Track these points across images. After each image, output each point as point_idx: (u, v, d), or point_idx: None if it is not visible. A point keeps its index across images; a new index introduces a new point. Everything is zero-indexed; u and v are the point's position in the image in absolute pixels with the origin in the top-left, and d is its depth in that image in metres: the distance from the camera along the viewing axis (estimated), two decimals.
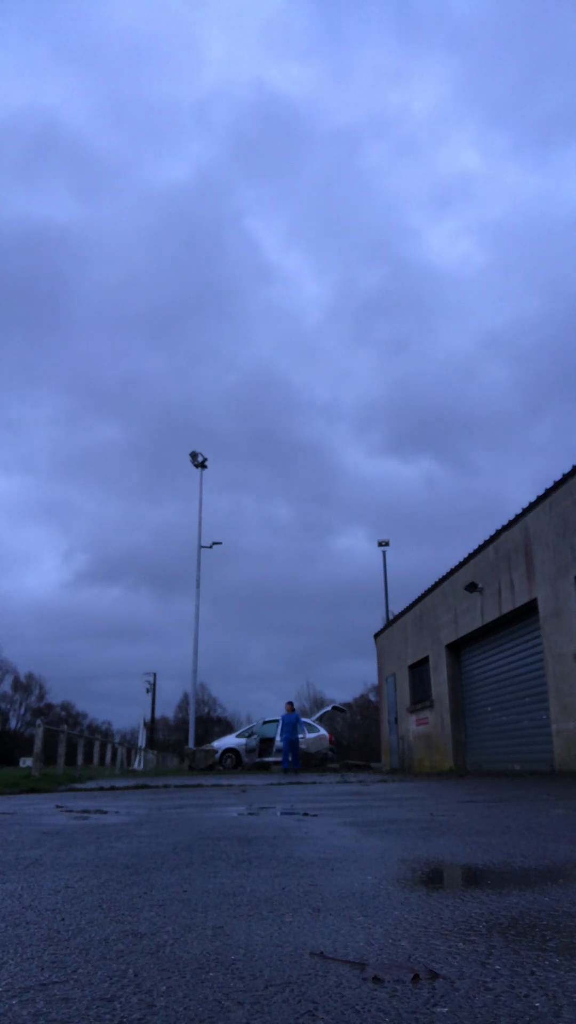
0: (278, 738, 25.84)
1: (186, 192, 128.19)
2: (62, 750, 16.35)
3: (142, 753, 36.37)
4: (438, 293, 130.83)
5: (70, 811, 5.77)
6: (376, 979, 1.33)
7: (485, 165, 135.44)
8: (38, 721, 15.47)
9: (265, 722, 25.94)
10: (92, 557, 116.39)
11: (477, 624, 15.67)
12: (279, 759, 24.85)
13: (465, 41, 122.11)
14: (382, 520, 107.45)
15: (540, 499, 12.80)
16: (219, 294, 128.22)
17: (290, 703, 19.48)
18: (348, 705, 64.52)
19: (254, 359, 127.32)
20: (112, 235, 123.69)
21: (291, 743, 18.66)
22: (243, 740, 25.52)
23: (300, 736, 25.76)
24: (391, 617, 26.17)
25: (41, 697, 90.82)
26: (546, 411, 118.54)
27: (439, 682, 18.20)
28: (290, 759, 18.54)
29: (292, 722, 18.92)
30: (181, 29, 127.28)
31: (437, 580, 18.65)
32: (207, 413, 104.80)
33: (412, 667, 20.82)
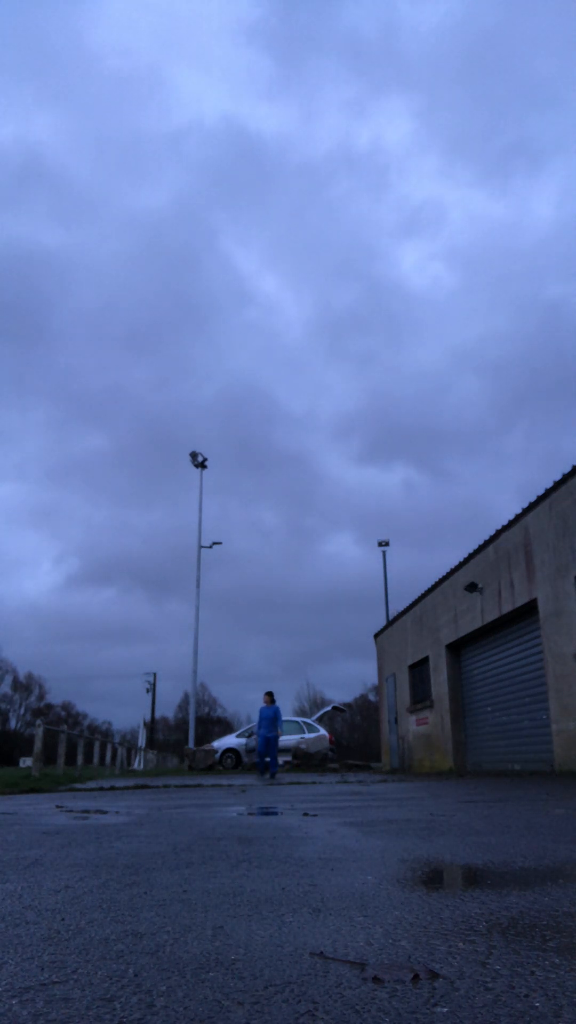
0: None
1: (163, 219, 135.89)
2: (62, 750, 16.36)
3: (142, 753, 36.37)
4: (410, 312, 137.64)
5: (70, 811, 5.77)
6: (376, 979, 1.33)
7: (449, 195, 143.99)
8: (38, 721, 15.48)
9: None
10: (87, 561, 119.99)
11: (477, 624, 15.67)
12: (279, 759, 24.78)
13: (422, 80, 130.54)
14: (366, 525, 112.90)
15: (540, 499, 12.80)
16: (198, 313, 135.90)
17: (269, 694, 16.06)
18: (348, 705, 64.60)
19: (234, 373, 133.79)
20: (94, 258, 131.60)
21: (268, 741, 15.52)
22: (243, 740, 25.50)
23: (299, 736, 25.70)
24: (391, 617, 26.18)
25: (41, 697, 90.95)
26: (518, 421, 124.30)
27: (439, 682, 18.20)
28: (267, 760, 15.51)
29: (271, 717, 15.78)
30: (155, 70, 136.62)
31: (437, 580, 18.65)
32: (191, 423, 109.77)
33: (412, 667, 20.82)
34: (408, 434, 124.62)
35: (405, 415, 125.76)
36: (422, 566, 78.14)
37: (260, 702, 16.15)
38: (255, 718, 16.84)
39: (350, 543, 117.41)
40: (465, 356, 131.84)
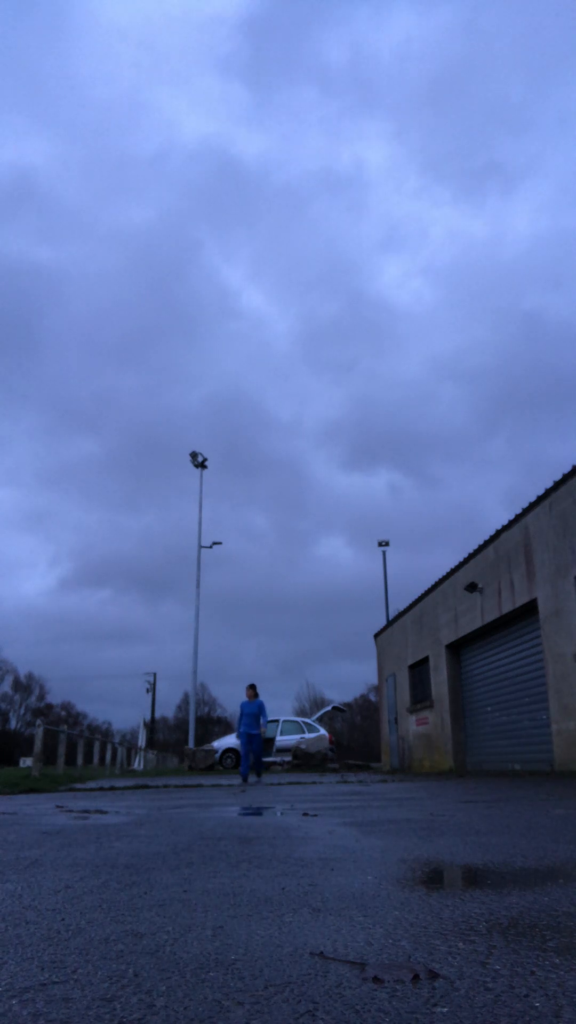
0: (278, 737, 25.74)
1: (150, 235, 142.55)
2: (62, 750, 16.37)
3: (142, 753, 36.38)
4: (392, 324, 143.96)
5: (70, 811, 5.77)
6: (376, 979, 1.32)
7: (428, 214, 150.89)
8: (38, 721, 15.48)
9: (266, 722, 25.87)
10: (84, 563, 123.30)
11: (477, 624, 15.67)
12: (279, 759, 24.70)
13: (397, 105, 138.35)
14: (356, 529, 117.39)
15: (540, 499, 12.80)
16: (186, 323, 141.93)
17: (252, 687, 13.76)
18: (348, 705, 64.64)
19: (222, 380, 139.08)
20: (83, 273, 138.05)
21: (252, 740, 13.37)
22: None
23: (299, 736, 25.64)
24: (391, 617, 26.18)
25: (41, 697, 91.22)
26: (500, 427, 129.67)
27: (439, 682, 18.20)
28: (250, 762, 13.33)
29: (255, 712, 13.62)
30: (136, 98, 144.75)
31: (437, 580, 18.65)
32: (180, 430, 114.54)
33: (412, 667, 20.82)
34: (393, 440, 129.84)
35: (390, 422, 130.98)
36: (411, 569, 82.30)
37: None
38: (238, 725, 14.38)
39: (341, 546, 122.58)
40: (446, 365, 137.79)
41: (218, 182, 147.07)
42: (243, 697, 13.67)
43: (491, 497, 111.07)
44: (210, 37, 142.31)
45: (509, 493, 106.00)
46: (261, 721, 13.68)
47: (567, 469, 11.86)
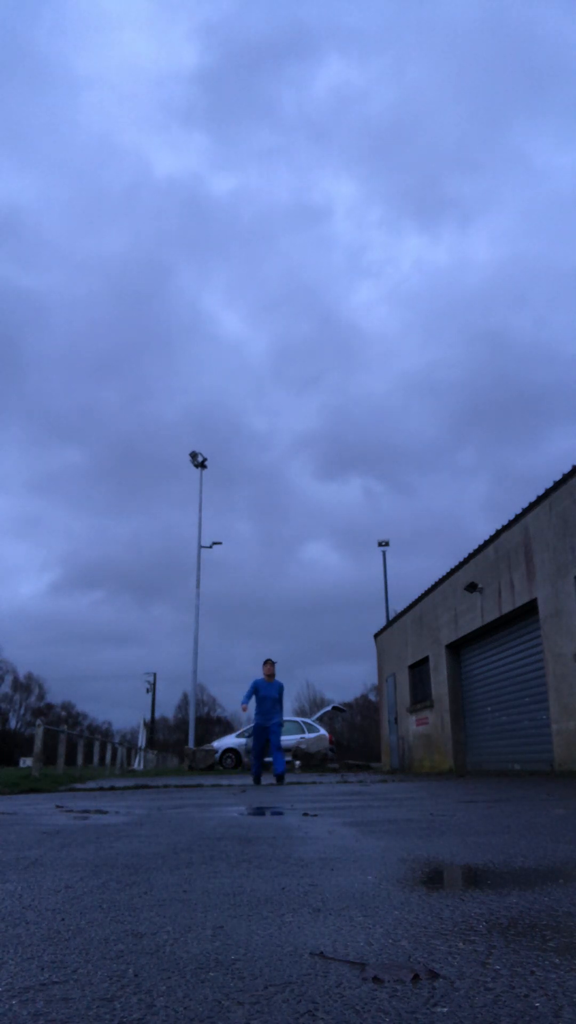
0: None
1: (125, 264, 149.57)
2: (62, 750, 16.36)
3: (142, 753, 36.38)
4: (362, 345, 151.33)
5: (70, 811, 5.77)
6: (376, 979, 1.32)
7: (391, 245, 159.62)
8: (38, 721, 15.47)
9: None
10: (75, 568, 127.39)
11: (477, 624, 15.67)
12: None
13: (352, 147, 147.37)
14: (338, 535, 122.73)
15: (540, 499, 12.80)
16: (162, 343, 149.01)
17: (271, 662, 11.51)
18: (348, 705, 64.66)
19: (199, 396, 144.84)
20: (63, 297, 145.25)
21: (270, 731, 11.20)
22: (243, 740, 25.47)
23: (299, 736, 25.50)
24: (390, 617, 26.17)
25: (41, 697, 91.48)
26: (469, 438, 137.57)
27: (439, 682, 18.20)
28: (262, 760, 11.30)
29: (274, 697, 11.27)
30: (110, 139, 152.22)
31: (437, 580, 18.65)
32: (161, 441, 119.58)
33: (412, 667, 20.82)
34: (369, 452, 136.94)
35: (365, 434, 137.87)
36: (398, 572, 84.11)
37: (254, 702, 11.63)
38: (243, 699, 11.60)
39: (327, 551, 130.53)
40: (415, 381, 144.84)
41: (188, 214, 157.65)
42: (239, 699, 11.59)
43: (465, 504, 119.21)
44: (171, 87, 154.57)
45: (482, 500, 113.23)
46: (281, 707, 11.36)
47: (561, 471, 11.86)
